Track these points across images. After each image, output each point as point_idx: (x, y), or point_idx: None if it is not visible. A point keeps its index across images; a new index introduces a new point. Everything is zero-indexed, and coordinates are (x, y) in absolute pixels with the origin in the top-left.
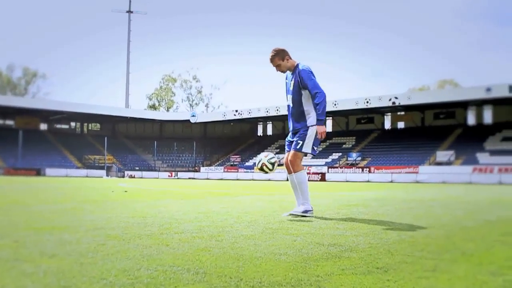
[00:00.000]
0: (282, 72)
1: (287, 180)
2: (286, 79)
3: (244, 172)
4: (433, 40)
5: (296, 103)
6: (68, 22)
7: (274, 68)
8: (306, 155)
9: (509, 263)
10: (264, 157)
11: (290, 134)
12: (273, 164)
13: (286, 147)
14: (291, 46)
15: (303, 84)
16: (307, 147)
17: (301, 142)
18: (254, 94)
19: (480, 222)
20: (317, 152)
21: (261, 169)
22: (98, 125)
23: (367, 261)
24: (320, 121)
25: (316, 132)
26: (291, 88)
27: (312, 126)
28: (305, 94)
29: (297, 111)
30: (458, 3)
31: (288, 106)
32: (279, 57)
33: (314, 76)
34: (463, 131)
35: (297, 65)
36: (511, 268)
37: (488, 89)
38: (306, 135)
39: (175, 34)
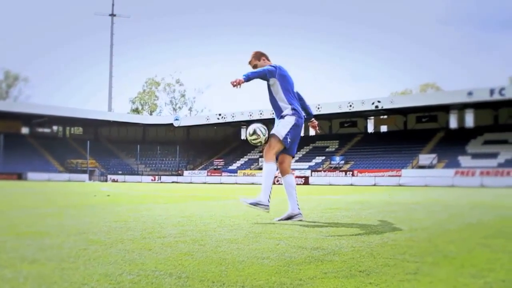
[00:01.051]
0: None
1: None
2: None
3: (228, 176)
4: (415, 44)
5: (272, 102)
6: (51, 25)
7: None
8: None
9: (490, 265)
10: (262, 135)
11: None
12: (264, 132)
13: None
14: (273, 50)
15: (264, 79)
16: (278, 133)
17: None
18: (238, 97)
19: (461, 225)
20: (289, 145)
21: (254, 132)
22: (81, 129)
23: (349, 265)
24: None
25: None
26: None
27: (287, 115)
28: (273, 89)
29: (276, 110)
30: (440, 8)
31: None
32: (255, 58)
33: (271, 69)
34: (445, 134)
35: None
36: (492, 270)
37: (470, 93)
38: (280, 122)
39: (158, 38)
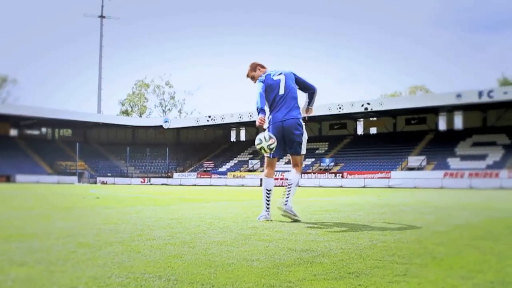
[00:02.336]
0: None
1: (261, 184)
2: None
3: (218, 178)
4: (404, 46)
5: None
6: (40, 27)
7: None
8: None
9: (478, 267)
10: (265, 140)
11: None
12: (271, 149)
13: None
14: (260, 51)
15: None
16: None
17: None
18: (228, 99)
19: (450, 226)
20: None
21: (260, 149)
22: (70, 131)
23: (339, 266)
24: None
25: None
26: None
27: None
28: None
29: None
30: (429, 10)
31: None
32: (252, 70)
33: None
34: (434, 136)
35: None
36: (481, 272)
37: (458, 95)
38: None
39: (148, 39)
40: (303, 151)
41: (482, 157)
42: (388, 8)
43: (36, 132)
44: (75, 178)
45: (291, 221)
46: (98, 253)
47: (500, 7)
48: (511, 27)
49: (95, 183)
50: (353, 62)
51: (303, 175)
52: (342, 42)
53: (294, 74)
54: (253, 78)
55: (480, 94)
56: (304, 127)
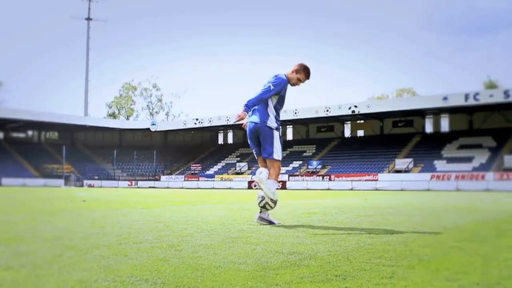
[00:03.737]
0: (292, 85)
1: (249, 187)
2: (285, 94)
3: (205, 180)
4: (391, 49)
5: None
6: (26, 29)
7: (301, 81)
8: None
9: (464, 268)
10: (268, 191)
11: None
12: (275, 202)
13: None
14: (248, 53)
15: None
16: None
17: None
18: (215, 102)
19: (437, 228)
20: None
21: (264, 206)
22: (56, 134)
23: (326, 269)
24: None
25: None
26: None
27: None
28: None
29: None
30: (416, 14)
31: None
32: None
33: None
34: (421, 139)
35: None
36: (466, 273)
37: (445, 98)
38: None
39: (135, 42)
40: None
41: (469, 160)
42: (377, 12)
43: (22, 135)
44: (61, 181)
45: (280, 226)
46: (84, 256)
47: (486, 11)
48: (497, 31)
49: (82, 186)
50: (340, 65)
51: (290, 177)
52: (329, 44)
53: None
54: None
55: (467, 97)
56: None
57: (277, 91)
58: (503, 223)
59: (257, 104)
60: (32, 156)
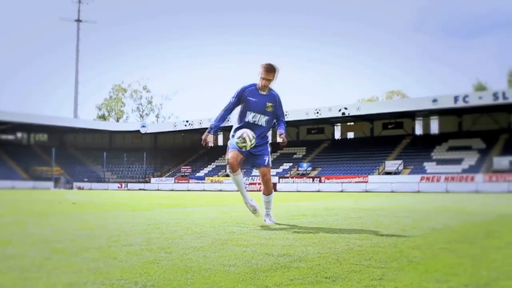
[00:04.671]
0: (263, 86)
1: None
2: (253, 97)
3: (195, 183)
4: (381, 51)
5: (268, 126)
6: (15, 29)
7: (264, 78)
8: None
9: (454, 270)
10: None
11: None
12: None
13: (234, 148)
14: (238, 53)
15: (279, 111)
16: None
17: (267, 158)
18: (205, 104)
19: (426, 230)
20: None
21: (241, 137)
22: (46, 136)
23: (316, 271)
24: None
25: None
26: (268, 110)
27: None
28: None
29: (264, 132)
30: (408, 16)
31: (254, 123)
32: (275, 76)
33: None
34: (411, 141)
35: (273, 91)
36: (455, 275)
37: (434, 100)
38: (269, 151)
39: (125, 44)
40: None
41: (458, 161)
42: (367, 13)
43: (11, 137)
44: (51, 184)
45: (271, 228)
46: (73, 259)
47: (475, 14)
48: (486, 34)
49: (72, 188)
50: (330, 67)
51: (280, 179)
52: (320, 47)
53: None
54: (268, 82)
55: (456, 99)
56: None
57: (235, 101)
58: (492, 225)
59: (219, 123)
60: (21, 159)
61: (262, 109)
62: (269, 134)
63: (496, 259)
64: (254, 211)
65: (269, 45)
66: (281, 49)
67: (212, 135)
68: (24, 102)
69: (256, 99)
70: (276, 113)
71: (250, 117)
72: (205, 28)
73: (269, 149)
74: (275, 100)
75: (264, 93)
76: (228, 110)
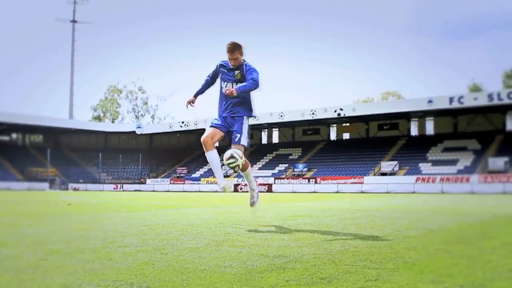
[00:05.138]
0: (233, 66)
1: (235, 190)
2: (224, 69)
3: (191, 184)
4: (377, 52)
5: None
6: (10, 30)
7: (230, 58)
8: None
9: (448, 271)
10: (239, 157)
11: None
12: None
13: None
14: (245, 52)
15: (249, 76)
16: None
17: (239, 135)
18: (201, 105)
19: (422, 231)
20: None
21: (231, 156)
22: (41, 137)
23: (311, 272)
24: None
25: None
26: (238, 78)
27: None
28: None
29: (239, 101)
30: (403, 17)
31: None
32: (240, 52)
33: None
34: (406, 142)
35: (245, 62)
36: (451, 276)
37: (430, 101)
38: (243, 129)
39: (121, 45)
40: None
41: (453, 162)
42: (362, 14)
43: (6, 138)
44: (46, 185)
45: (266, 229)
46: (69, 260)
47: (470, 16)
48: (481, 35)
49: (67, 189)
50: (326, 68)
51: (276, 180)
52: (314, 47)
53: None
54: (236, 60)
55: (451, 100)
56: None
57: (213, 72)
58: (487, 225)
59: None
60: (16, 160)
61: (232, 77)
62: (253, 109)
63: (491, 260)
64: (224, 190)
65: (269, 45)
66: (281, 49)
67: (194, 98)
68: (20, 103)
69: (226, 70)
70: (247, 78)
71: (223, 87)
72: (203, 29)
73: (246, 126)
74: (242, 68)
75: (234, 67)
76: (209, 79)
